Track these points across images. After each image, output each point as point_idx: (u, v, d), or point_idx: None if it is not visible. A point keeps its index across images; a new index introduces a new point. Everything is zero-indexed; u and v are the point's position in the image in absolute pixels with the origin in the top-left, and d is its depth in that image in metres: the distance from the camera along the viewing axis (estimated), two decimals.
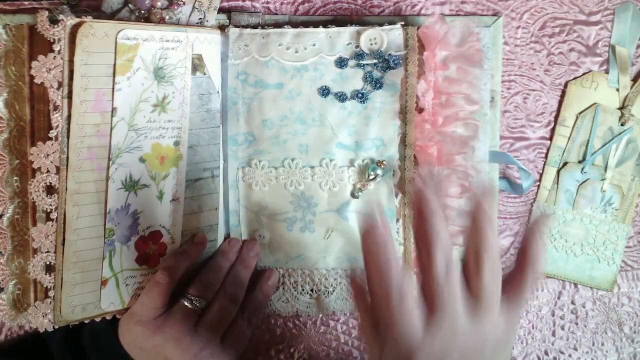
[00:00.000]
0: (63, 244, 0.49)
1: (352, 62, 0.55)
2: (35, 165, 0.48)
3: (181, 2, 0.53)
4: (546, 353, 0.63)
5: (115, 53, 0.49)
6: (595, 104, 0.59)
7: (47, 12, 0.48)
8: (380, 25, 0.55)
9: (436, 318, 0.37)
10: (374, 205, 0.40)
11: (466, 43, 0.54)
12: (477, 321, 0.37)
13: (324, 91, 0.55)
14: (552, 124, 0.60)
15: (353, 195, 0.56)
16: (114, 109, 0.49)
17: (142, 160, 0.52)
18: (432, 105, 0.55)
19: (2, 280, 0.54)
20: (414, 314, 0.37)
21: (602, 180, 0.60)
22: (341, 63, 0.55)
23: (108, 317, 0.53)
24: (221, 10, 0.56)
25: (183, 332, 0.51)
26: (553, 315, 0.62)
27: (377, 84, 0.55)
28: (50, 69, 0.47)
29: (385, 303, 0.37)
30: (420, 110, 0.56)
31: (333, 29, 0.55)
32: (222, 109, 0.57)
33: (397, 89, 0.55)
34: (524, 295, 0.39)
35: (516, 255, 0.40)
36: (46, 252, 0.49)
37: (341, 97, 0.56)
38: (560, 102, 0.60)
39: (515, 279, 0.40)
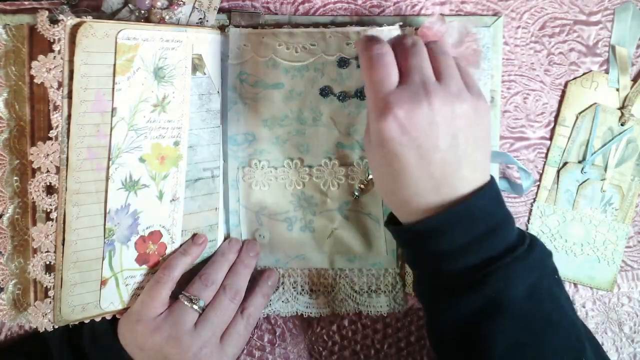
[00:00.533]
0: (63, 244, 0.49)
1: (353, 62, 0.55)
2: (35, 165, 0.48)
3: (181, 2, 0.53)
4: None
5: (115, 53, 0.49)
6: (595, 104, 0.59)
7: (47, 12, 0.48)
8: (380, 25, 0.55)
9: (405, 81, 0.43)
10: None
11: (463, 43, 0.54)
12: (444, 88, 0.42)
13: (324, 91, 0.55)
14: (552, 124, 0.60)
15: (353, 194, 0.56)
16: (114, 109, 0.49)
17: (142, 160, 0.52)
18: None
19: (2, 280, 0.54)
20: (388, 75, 0.43)
21: (602, 180, 0.60)
22: (343, 63, 0.55)
23: (108, 317, 0.53)
24: (221, 10, 0.56)
25: (183, 332, 0.51)
26: None
27: None
28: (50, 69, 0.47)
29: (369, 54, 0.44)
30: None
31: (333, 29, 0.55)
32: (222, 109, 0.57)
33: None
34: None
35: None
36: (46, 252, 0.49)
37: (341, 97, 0.56)
38: (560, 102, 0.60)
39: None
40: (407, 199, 0.44)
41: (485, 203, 0.43)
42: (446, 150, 0.42)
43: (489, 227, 0.43)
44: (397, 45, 0.45)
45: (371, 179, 0.56)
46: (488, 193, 0.43)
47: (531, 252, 0.44)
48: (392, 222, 0.48)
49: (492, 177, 0.45)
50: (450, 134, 0.42)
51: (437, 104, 0.41)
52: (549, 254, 0.47)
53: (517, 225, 0.60)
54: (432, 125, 0.41)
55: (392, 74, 0.43)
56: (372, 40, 0.44)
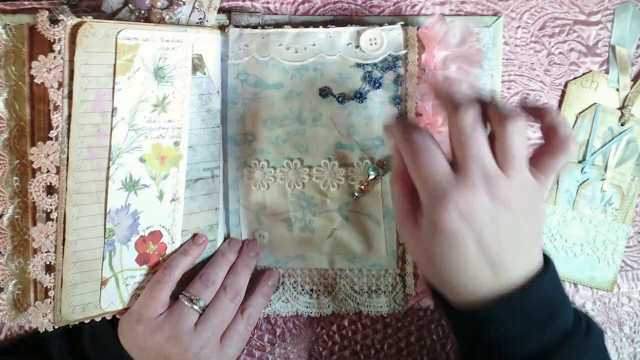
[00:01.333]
0: (63, 244, 0.49)
1: (352, 62, 0.55)
2: (35, 165, 0.48)
3: (181, 2, 0.53)
4: None
5: (116, 53, 0.49)
6: (595, 104, 0.59)
7: (47, 12, 0.48)
8: (380, 25, 0.55)
9: (464, 170, 0.39)
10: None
11: (466, 43, 0.54)
12: (505, 179, 0.39)
13: (324, 92, 0.55)
14: None
15: (353, 195, 0.56)
16: (114, 109, 0.49)
17: (142, 160, 0.52)
18: (431, 105, 0.55)
19: (2, 280, 0.54)
20: (440, 165, 0.40)
21: (602, 180, 0.60)
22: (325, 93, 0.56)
23: (108, 317, 0.53)
24: (221, 10, 0.56)
25: (183, 332, 0.51)
26: None
27: (377, 84, 0.55)
28: (50, 69, 0.47)
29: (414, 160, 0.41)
30: (419, 114, 0.56)
31: (333, 29, 0.55)
32: (222, 109, 0.57)
33: (397, 89, 0.55)
34: (555, 160, 0.41)
35: (541, 131, 0.43)
36: (46, 252, 0.49)
37: (340, 99, 0.56)
38: (560, 102, 0.60)
39: (544, 148, 0.42)
40: (462, 284, 0.41)
41: (546, 289, 0.41)
42: (506, 238, 0.40)
43: (549, 312, 0.41)
44: (453, 124, 0.40)
45: (371, 179, 0.56)
46: (549, 278, 0.41)
47: (589, 336, 0.42)
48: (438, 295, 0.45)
49: (549, 258, 0.43)
50: (510, 224, 0.40)
51: (500, 197, 0.39)
52: (602, 334, 0.45)
53: None
54: (494, 217, 0.39)
55: (443, 162, 0.40)
56: (410, 129, 0.42)
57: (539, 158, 0.42)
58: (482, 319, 0.41)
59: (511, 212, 0.39)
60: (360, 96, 0.55)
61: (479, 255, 0.40)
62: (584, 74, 0.60)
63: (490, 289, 0.41)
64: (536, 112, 0.43)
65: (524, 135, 0.40)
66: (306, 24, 0.56)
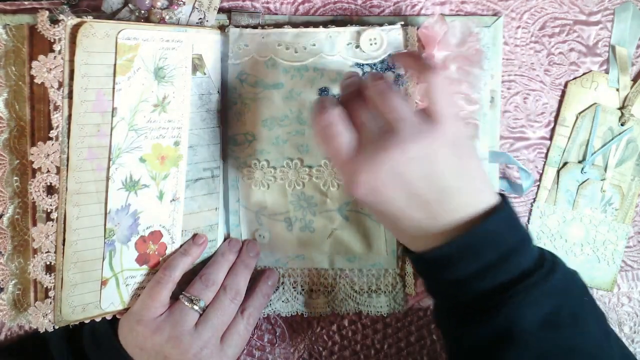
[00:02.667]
0: (63, 244, 0.49)
1: (351, 62, 0.55)
2: (35, 166, 0.48)
3: (181, 2, 0.53)
4: None
5: (116, 53, 0.49)
6: (595, 104, 0.59)
7: (47, 12, 0.48)
8: (380, 25, 0.55)
9: (360, 137, 0.43)
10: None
11: (466, 43, 0.54)
12: (397, 138, 0.42)
13: (323, 92, 0.55)
14: (552, 124, 0.60)
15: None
16: (114, 109, 0.49)
17: (142, 160, 0.52)
18: None
19: (2, 280, 0.54)
20: (342, 137, 0.43)
21: (602, 180, 0.60)
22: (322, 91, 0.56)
23: (108, 317, 0.53)
24: (221, 10, 0.56)
25: (183, 332, 0.51)
26: None
27: None
28: (50, 69, 0.47)
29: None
30: None
31: (333, 29, 0.55)
32: (222, 109, 0.57)
33: (397, 90, 0.55)
34: (426, 83, 0.44)
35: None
36: (46, 252, 0.49)
37: (339, 99, 0.55)
38: (560, 102, 0.60)
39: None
40: (413, 234, 0.44)
41: (494, 228, 0.42)
42: (426, 189, 0.42)
43: (501, 252, 0.42)
44: (346, 101, 0.45)
45: None
46: (498, 218, 0.42)
47: (550, 277, 0.42)
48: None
49: (505, 200, 0.44)
50: (422, 174, 0.41)
51: (393, 157, 0.41)
52: (572, 276, 0.45)
53: None
54: (397, 176, 0.41)
55: (345, 141, 0.43)
56: (321, 107, 0.45)
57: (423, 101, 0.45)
58: (433, 260, 0.43)
59: (417, 168, 0.41)
60: None
61: (410, 209, 0.42)
62: (584, 74, 0.60)
63: (437, 231, 0.43)
64: (400, 61, 0.48)
65: (388, 92, 0.44)
66: (306, 24, 0.56)
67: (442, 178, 0.42)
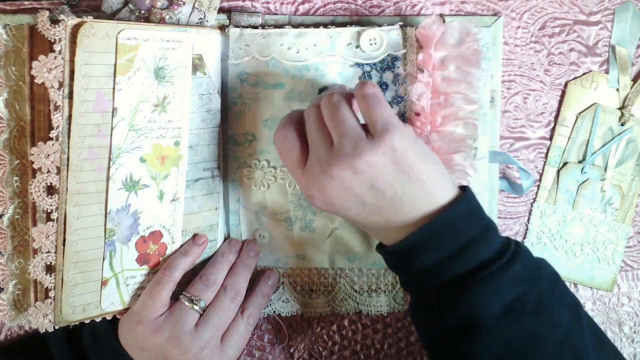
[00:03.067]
0: (63, 244, 0.49)
1: (351, 62, 0.55)
2: (35, 166, 0.48)
3: (181, 2, 0.53)
4: None
5: (116, 53, 0.49)
6: (595, 104, 0.59)
7: (47, 12, 0.48)
8: (380, 25, 0.55)
9: (309, 154, 0.46)
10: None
11: (464, 43, 0.54)
12: (339, 154, 0.43)
13: (323, 92, 0.55)
14: (552, 124, 0.60)
15: None
16: (114, 109, 0.49)
17: (142, 160, 0.52)
18: (430, 105, 0.54)
19: (2, 281, 0.54)
20: (294, 153, 0.47)
21: (602, 180, 0.60)
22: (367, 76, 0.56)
23: (108, 317, 0.53)
24: (221, 10, 0.56)
25: (183, 332, 0.51)
26: None
27: (384, 86, 0.55)
28: (50, 69, 0.47)
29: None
30: (417, 114, 0.56)
31: (333, 29, 0.55)
32: (222, 109, 0.57)
33: (396, 89, 0.55)
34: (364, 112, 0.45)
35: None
36: (46, 253, 0.49)
37: None
38: (560, 102, 0.60)
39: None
40: (378, 233, 0.48)
41: (452, 220, 0.44)
42: (372, 199, 0.44)
43: (461, 243, 0.43)
44: (307, 114, 0.47)
45: None
46: (457, 209, 0.44)
47: (511, 265, 0.43)
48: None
49: (467, 190, 0.46)
50: (368, 186, 0.43)
51: (338, 174, 0.43)
52: (539, 264, 0.46)
53: (517, 225, 0.61)
54: (346, 190, 0.44)
55: (295, 156, 0.46)
56: (283, 121, 0.48)
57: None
58: (397, 252, 0.46)
59: (363, 181, 0.43)
60: None
61: (365, 215, 0.45)
62: (584, 74, 0.60)
63: (394, 235, 0.45)
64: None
65: (338, 106, 0.45)
66: (306, 24, 0.56)
67: (388, 187, 0.43)
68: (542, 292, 0.44)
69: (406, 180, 0.43)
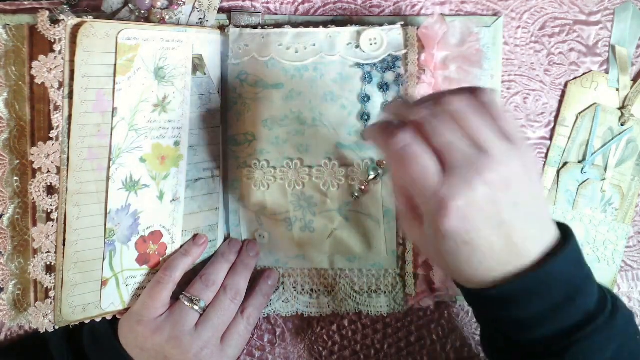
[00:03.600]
0: (63, 244, 0.49)
1: (351, 62, 0.55)
2: (35, 166, 0.48)
3: (181, 2, 0.53)
4: None
5: (116, 53, 0.49)
6: (595, 104, 0.59)
7: (47, 12, 0.48)
8: (381, 25, 0.55)
9: (449, 160, 0.37)
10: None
11: (466, 43, 0.54)
12: (491, 159, 0.37)
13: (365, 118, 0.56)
14: (552, 124, 0.60)
15: (353, 195, 0.56)
16: (114, 109, 0.49)
17: (142, 160, 0.52)
18: None
19: (2, 281, 0.54)
20: (429, 170, 0.37)
21: (602, 180, 0.60)
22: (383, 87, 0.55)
23: (108, 317, 0.53)
24: (221, 10, 0.56)
25: (183, 332, 0.51)
26: None
27: (377, 85, 0.55)
28: (50, 69, 0.47)
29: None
30: None
31: (333, 29, 0.55)
32: (222, 109, 0.57)
33: (396, 90, 0.55)
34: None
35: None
36: (46, 253, 0.49)
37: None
38: (560, 102, 0.60)
39: None
40: (478, 274, 0.40)
41: (563, 266, 0.39)
42: (511, 220, 0.38)
43: (567, 293, 0.39)
44: (413, 120, 0.39)
45: (371, 179, 0.56)
46: (567, 255, 0.39)
47: (613, 319, 0.40)
48: None
49: (570, 235, 0.41)
50: (512, 202, 0.37)
51: (492, 180, 0.36)
52: (630, 317, 0.43)
53: None
54: (494, 203, 0.37)
55: (430, 165, 0.37)
56: (387, 130, 0.39)
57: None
58: (495, 298, 0.40)
59: (509, 194, 0.37)
60: (368, 99, 0.55)
61: (489, 246, 0.38)
62: (584, 74, 0.60)
63: (503, 272, 0.39)
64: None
65: (473, 111, 0.38)
66: (306, 24, 0.56)
67: (525, 206, 0.38)
68: (633, 344, 0.42)
69: (539, 198, 0.39)
